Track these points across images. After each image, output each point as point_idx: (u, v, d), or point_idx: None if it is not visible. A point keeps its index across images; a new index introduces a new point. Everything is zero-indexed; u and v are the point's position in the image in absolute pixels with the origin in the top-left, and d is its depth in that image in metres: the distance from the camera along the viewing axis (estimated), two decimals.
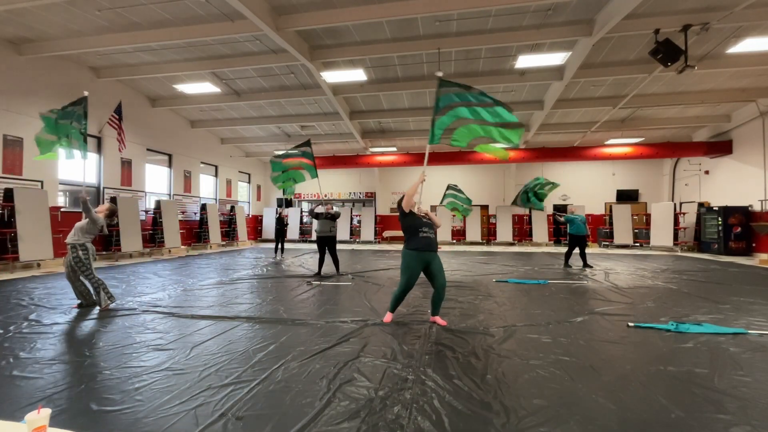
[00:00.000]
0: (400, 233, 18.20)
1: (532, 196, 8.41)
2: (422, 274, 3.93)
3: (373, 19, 7.00)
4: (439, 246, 3.97)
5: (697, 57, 8.60)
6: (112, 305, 4.58)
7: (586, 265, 8.33)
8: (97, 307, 4.55)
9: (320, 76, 9.32)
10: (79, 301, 4.64)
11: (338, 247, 7.94)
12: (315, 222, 7.35)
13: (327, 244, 7.28)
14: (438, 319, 3.96)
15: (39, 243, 8.18)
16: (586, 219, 8.43)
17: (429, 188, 18.41)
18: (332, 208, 7.54)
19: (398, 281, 4.34)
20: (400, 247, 15.60)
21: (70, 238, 4.50)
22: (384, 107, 12.73)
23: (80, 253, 4.48)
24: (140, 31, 7.87)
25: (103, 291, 4.55)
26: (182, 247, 12.59)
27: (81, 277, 4.56)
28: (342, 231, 17.19)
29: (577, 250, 8.52)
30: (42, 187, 8.82)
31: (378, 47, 8.40)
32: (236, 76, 10.35)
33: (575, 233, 8.37)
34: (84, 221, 4.56)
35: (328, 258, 7.46)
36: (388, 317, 4.07)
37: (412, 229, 3.83)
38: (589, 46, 7.75)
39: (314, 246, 15.44)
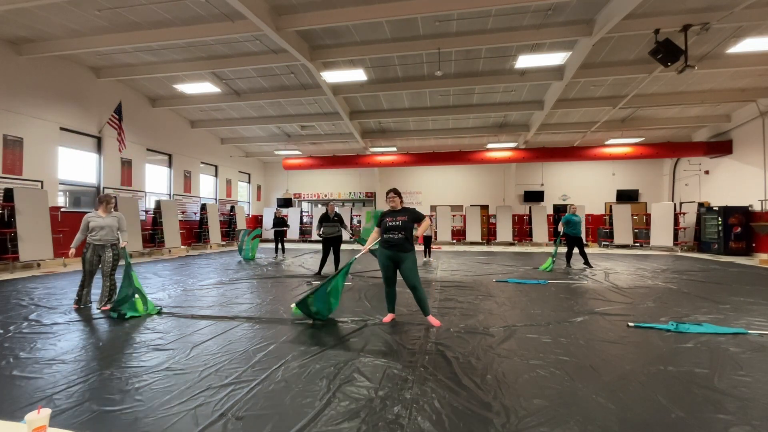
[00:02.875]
0: None
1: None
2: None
3: (373, 19, 7.00)
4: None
5: (697, 57, 8.60)
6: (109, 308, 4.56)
7: (587, 263, 8.41)
8: (96, 308, 4.55)
9: (320, 76, 9.32)
10: (76, 298, 4.65)
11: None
12: (321, 224, 7.33)
13: (333, 244, 7.30)
14: (431, 318, 3.94)
15: (39, 243, 8.18)
16: (579, 219, 8.49)
17: (428, 188, 18.49)
18: (334, 209, 7.56)
19: (399, 281, 4.35)
20: None
21: (110, 238, 4.61)
22: (384, 107, 12.73)
23: (120, 251, 4.65)
24: (140, 31, 7.87)
25: (115, 292, 4.64)
26: (182, 247, 12.59)
27: (106, 276, 4.61)
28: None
29: (576, 251, 8.55)
30: (42, 187, 8.82)
31: (378, 47, 8.40)
32: (236, 76, 10.35)
33: (571, 234, 8.43)
34: (114, 219, 4.67)
35: (329, 258, 7.46)
36: (388, 317, 4.08)
37: (381, 231, 4.01)
38: (589, 46, 7.75)
39: (314, 246, 15.46)
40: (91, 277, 4.63)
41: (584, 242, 8.61)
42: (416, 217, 3.94)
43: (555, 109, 11.62)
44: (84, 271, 4.60)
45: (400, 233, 3.84)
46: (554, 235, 8.82)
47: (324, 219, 7.30)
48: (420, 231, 3.87)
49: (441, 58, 8.85)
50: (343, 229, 7.43)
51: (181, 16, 7.41)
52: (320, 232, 7.25)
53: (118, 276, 4.72)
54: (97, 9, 7.14)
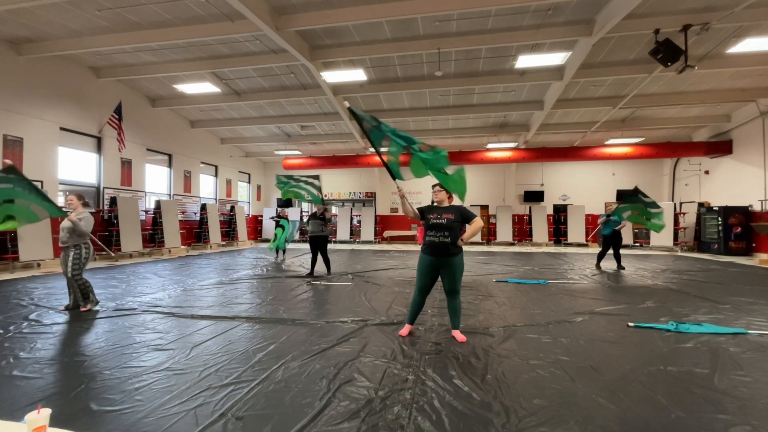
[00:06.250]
0: (400, 233, 18.24)
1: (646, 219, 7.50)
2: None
3: (373, 19, 6.99)
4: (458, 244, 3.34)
5: (697, 57, 8.60)
6: (95, 308, 4.51)
7: (620, 266, 8.14)
8: (94, 308, 4.52)
9: (320, 76, 9.32)
10: (67, 303, 4.61)
11: (340, 247, 7.92)
12: (309, 222, 7.37)
13: (318, 243, 7.29)
14: (457, 333, 3.45)
15: (39, 243, 8.18)
16: (618, 219, 7.94)
17: (427, 188, 18.47)
18: (322, 208, 7.48)
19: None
20: (400, 247, 15.54)
21: (67, 240, 4.41)
22: (384, 107, 12.72)
23: (83, 251, 4.46)
24: (140, 31, 7.86)
25: (90, 292, 4.54)
26: (182, 247, 12.59)
27: (71, 277, 4.44)
28: (342, 231, 17.21)
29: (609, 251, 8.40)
30: (42, 187, 8.81)
31: (378, 47, 8.40)
32: (236, 76, 10.35)
33: (608, 234, 8.14)
34: (68, 222, 4.41)
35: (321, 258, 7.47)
36: (405, 330, 3.57)
37: (425, 230, 3.45)
38: (589, 46, 7.75)
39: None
40: (68, 279, 4.49)
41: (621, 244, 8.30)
42: (466, 216, 3.36)
43: (555, 109, 11.61)
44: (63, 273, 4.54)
45: (446, 234, 3.29)
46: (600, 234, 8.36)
47: (312, 217, 7.33)
48: (468, 235, 3.32)
49: (441, 58, 8.84)
50: (329, 228, 7.42)
51: (181, 16, 7.41)
52: (307, 227, 7.29)
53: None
54: (97, 9, 7.14)
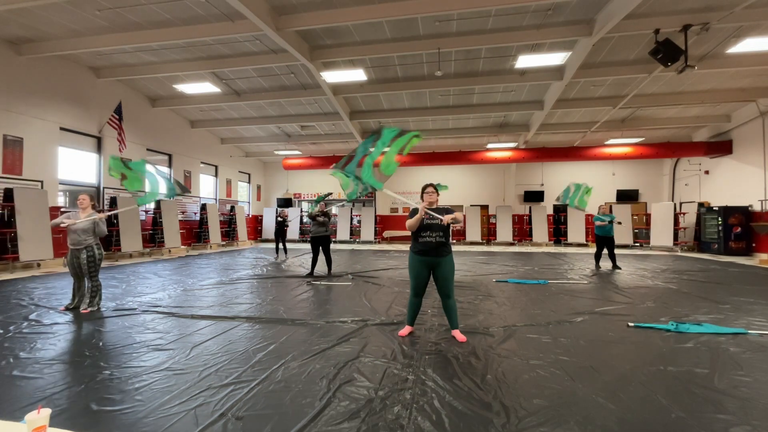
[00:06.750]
0: (399, 233, 18.25)
1: (574, 201, 7.85)
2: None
3: (373, 19, 7.00)
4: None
5: (697, 57, 8.60)
6: (95, 309, 4.49)
7: (615, 266, 8.19)
8: (89, 308, 4.51)
9: (320, 76, 9.32)
10: (67, 303, 4.62)
11: (339, 247, 7.92)
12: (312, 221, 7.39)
13: (321, 244, 7.30)
14: (457, 333, 3.48)
15: (39, 243, 8.18)
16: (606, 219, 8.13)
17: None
18: (325, 207, 7.52)
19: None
20: (400, 247, 15.53)
21: (81, 241, 4.45)
22: (384, 107, 12.73)
23: (96, 252, 4.51)
24: (140, 31, 7.87)
25: (98, 295, 4.57)
26: (182, 247, 12.59)
27: (86, 278, 4.55)
28: (342, 231, 17.20)
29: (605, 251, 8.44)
30: (42, 187, 8.82)
31: (378, 47, 8.40)
32: (236, 76, 10.35)
33: (601, 234, 8.24)
34: (89, 222, 4.47)
35: (321, 258, 7.46)
36: (405, 330, 3.61)
37: (414, 232, 3.53)
38: (589, 46, 7.75)
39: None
40: (78, 281, 4.55)
41: (614, 244, 8.41)
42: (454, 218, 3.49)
43: (555, 109, 11.62)
44: (71, 274, 4.60)
45: (441, 234, 3.39)
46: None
47: (312, 218, 7.34)
48: (449, 219, 3.31)
49: (441, 58, 8.85)
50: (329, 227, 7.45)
51: (181, 16, 7.41)
52: (310, 228, 7.31)
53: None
54: (97, 9, 7.14)
